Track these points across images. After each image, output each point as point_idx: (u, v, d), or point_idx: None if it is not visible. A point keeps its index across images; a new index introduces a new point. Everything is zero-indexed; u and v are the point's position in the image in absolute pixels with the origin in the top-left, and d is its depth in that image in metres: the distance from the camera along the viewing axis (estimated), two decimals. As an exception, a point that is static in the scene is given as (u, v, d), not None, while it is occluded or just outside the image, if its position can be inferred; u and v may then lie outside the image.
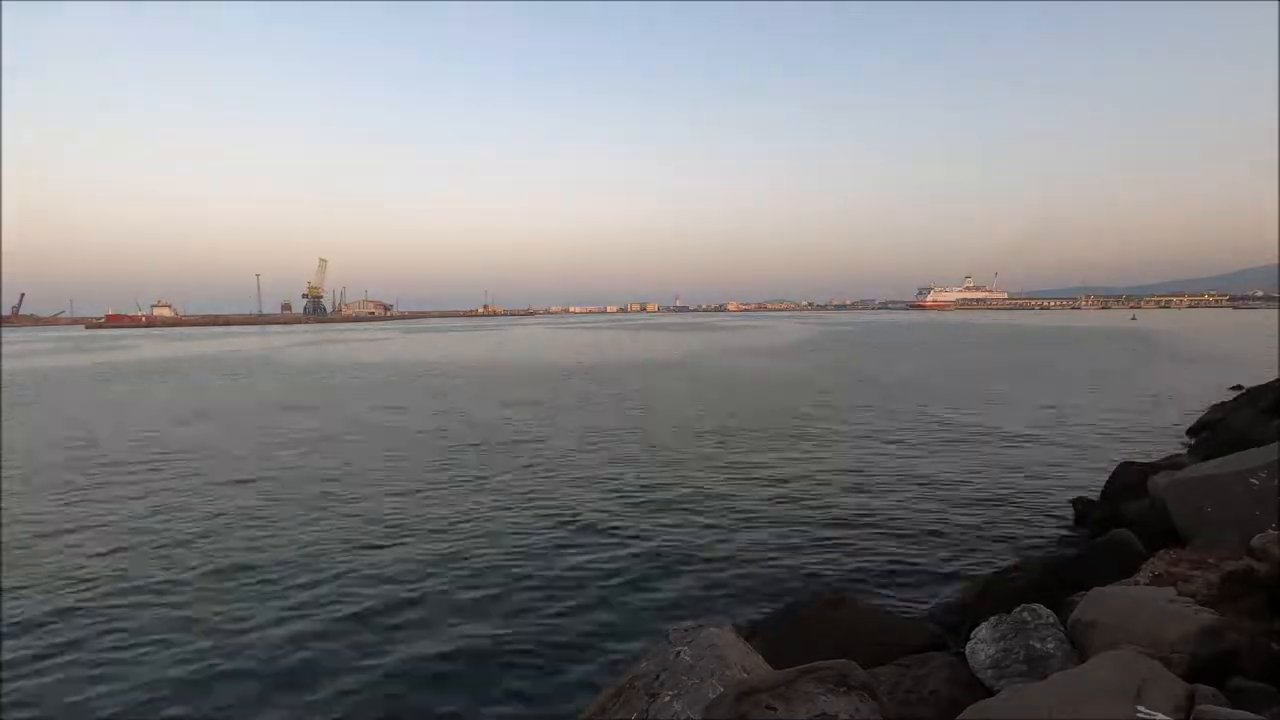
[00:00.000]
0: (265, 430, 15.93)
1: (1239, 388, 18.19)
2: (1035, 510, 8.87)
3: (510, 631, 5.81)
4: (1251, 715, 2.27)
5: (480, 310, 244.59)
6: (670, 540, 8.00)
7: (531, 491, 10.26)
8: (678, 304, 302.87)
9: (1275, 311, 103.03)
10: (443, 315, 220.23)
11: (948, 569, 6.97)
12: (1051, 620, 3.30)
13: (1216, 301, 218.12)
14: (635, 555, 7.55)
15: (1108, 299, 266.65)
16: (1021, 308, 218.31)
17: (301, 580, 6.96)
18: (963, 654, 3.49)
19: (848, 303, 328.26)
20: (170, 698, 4.92)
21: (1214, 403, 16.52)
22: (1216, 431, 12.40)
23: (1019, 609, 3.40)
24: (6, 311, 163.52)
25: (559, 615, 6.11)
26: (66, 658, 5.47)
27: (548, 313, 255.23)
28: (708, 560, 7.37)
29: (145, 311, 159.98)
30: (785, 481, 10.60)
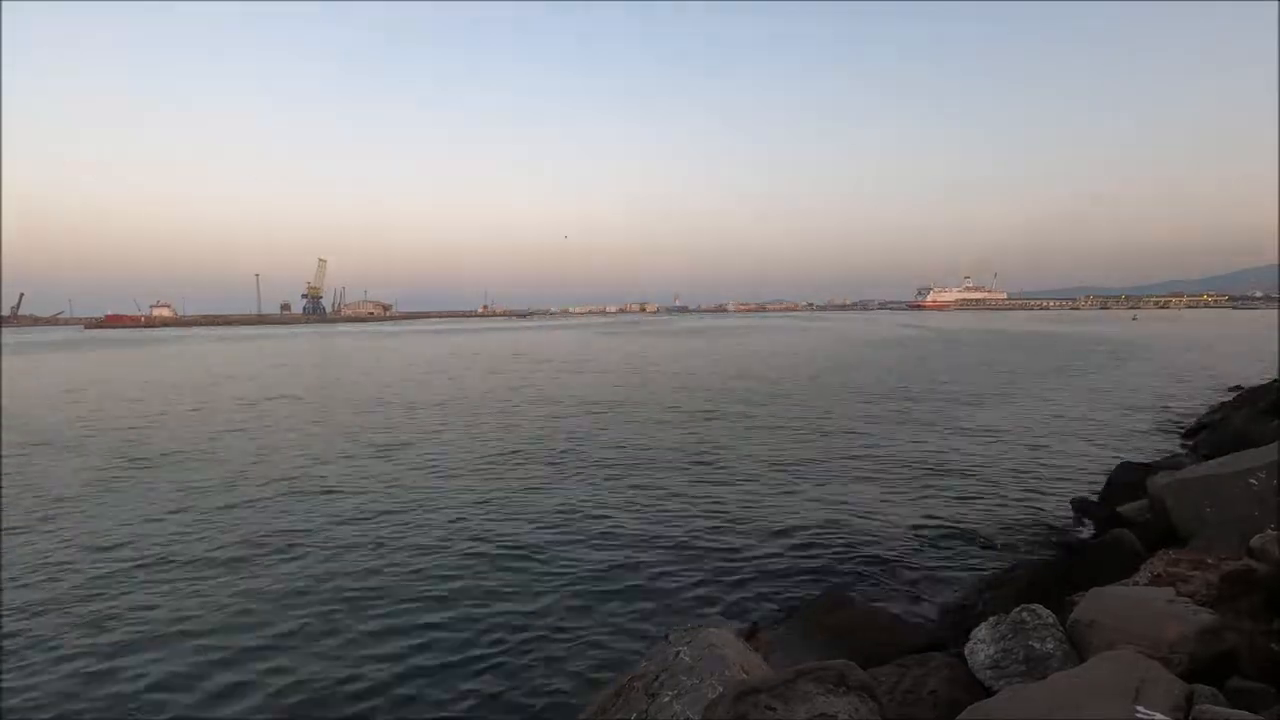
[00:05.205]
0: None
1: (1238, 388, 18.21)
2: (1035, 510, 8.87)
3: (509, 632, 5.81)
4: (1251, 715, 2.27)
5: (480, 311, 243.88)
6: (669, 541, 7.99)
7: (528, 492, 10.26)
8: (677, 304, 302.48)
9: (1275, 312, 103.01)
10: (442, 316, 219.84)
11: (947, 569, 6.98)
12: (1050, 620, 3.29)
13: (1216, 302, 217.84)
14: (634, 556, 7.55)
15: (1107, 299, 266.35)
16: (1021, 308, 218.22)
17: (292, 577, 6.96)
18: (962, 654, 3.49)
19: (847, 302, 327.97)
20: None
21: (1213, 403, 16.53)
22: (1216, 431, 12.41)
23: (1018, 609, 3.39)
24: (5, 312, 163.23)
25: (558, 616, 6.11)
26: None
27: (547, 313, 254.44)
28: (708, 560, 7.37)
29: (144, 312, 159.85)
30: (783, 481, 10.60)
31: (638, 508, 9.35)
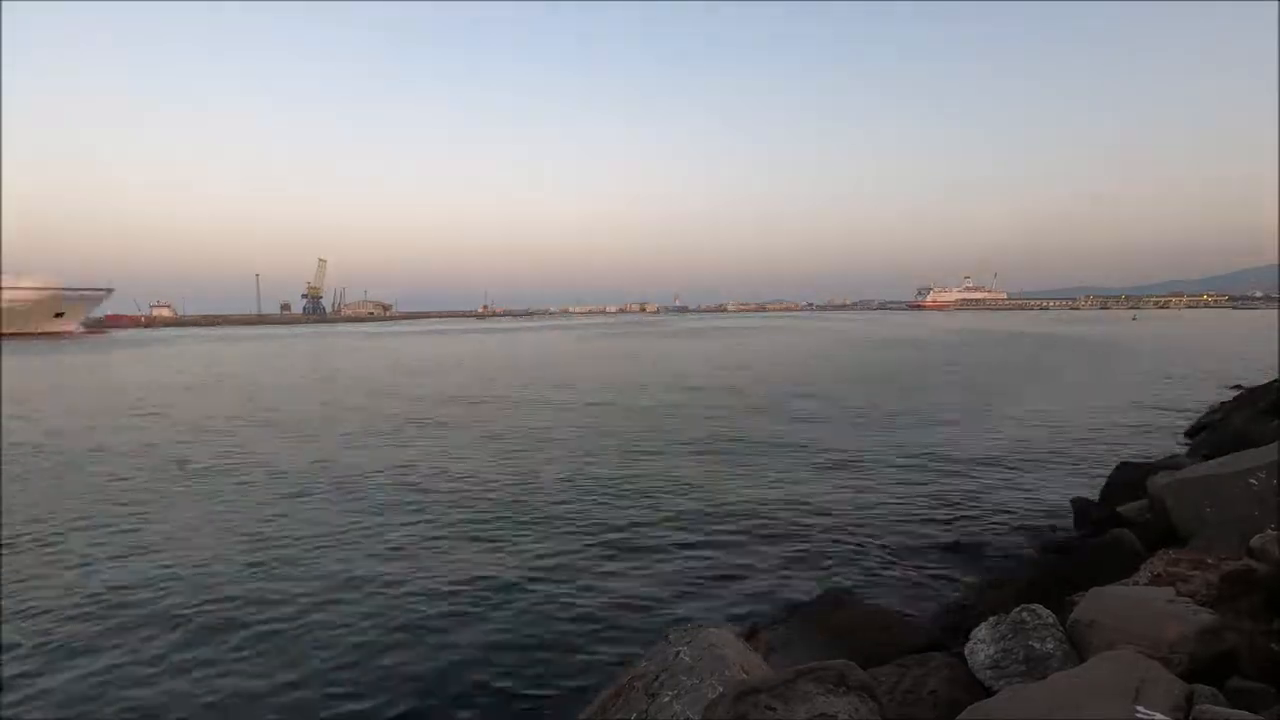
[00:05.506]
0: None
1: (1238, 388, 18.21)
2: (1034, 510, 8.87)
3: (508, 632, 5.81)
4: (1251, 715, 2.27)
5: (480, 310, 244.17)
6: (669, 540, 8.00)
7: (526, 492, 10.26)
8: (677, 304, 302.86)
9: (1275, 312, 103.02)
10: (442, 316, 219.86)
11: (947, 569, 6.98)
12: (1050, 620, 3.29)
13: (1216, 302, 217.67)
14: (633, 555, 7.55)
15: (1107, 299, 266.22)
16: (1021, 308, 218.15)
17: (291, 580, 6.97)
18: (962, 654, 3.49)
19: (847, 302, 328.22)
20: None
21: (1213, 403, 16.53)
22: (1216, 431, 12.40)
23: (1018, 609, 3.40)
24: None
25: (557, 615, 6.11)
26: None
27: (547, 313, 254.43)
28: (707, 560, 7.37)
29: (144, 312, 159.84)
30: (783, 480, 10.60)
31: (635, 508, 9.35)
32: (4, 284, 73.95)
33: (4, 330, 71.81)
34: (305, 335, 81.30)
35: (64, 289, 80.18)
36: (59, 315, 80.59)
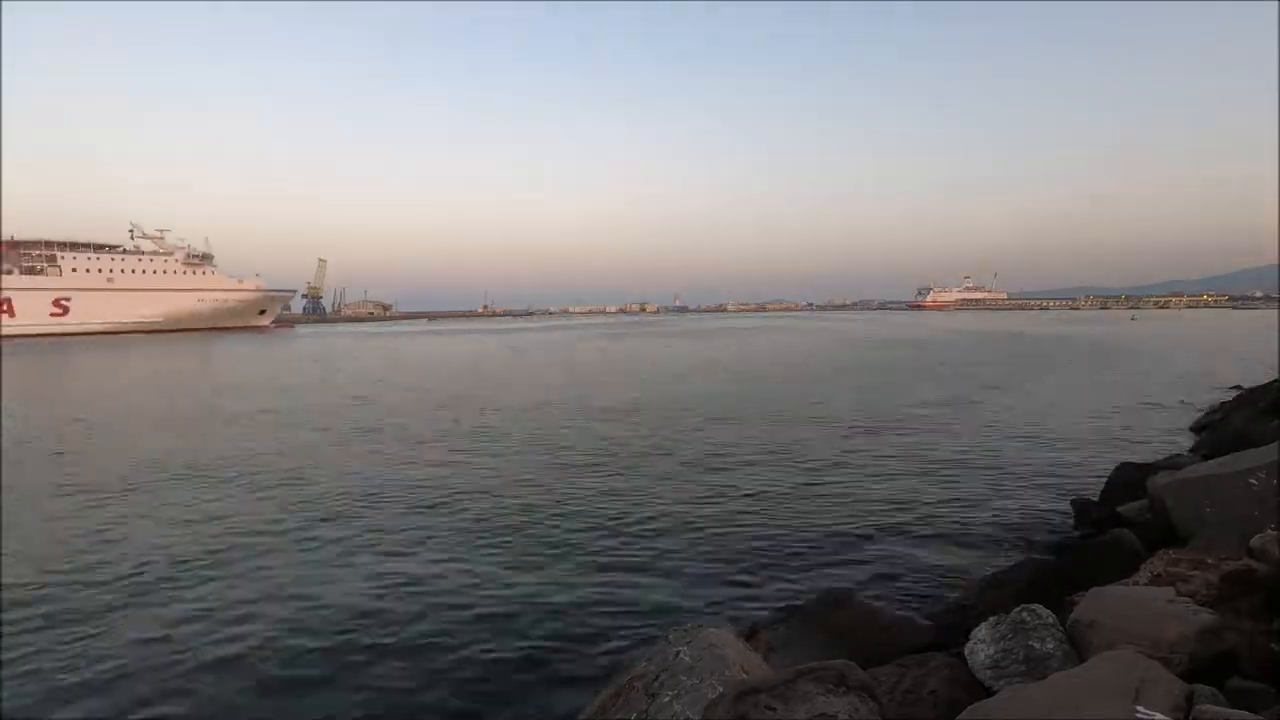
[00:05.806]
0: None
1: (1238, 388, 18.20)
2: (1034, 510, 8.87)
3: (507, 632, 5.81)
4: (1251, 715, 2.27)
5: (480, 310, 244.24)
6: (669, 540, 8.00)
7: (524, 493, 10.26)
8: (677, 304, 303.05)
9: (1275, 312, 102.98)
10: (442, 315, 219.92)
11: (948, 569, 6.97)
12: (1051, 620, 3.30)
13: (1216, 302, 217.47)
14: (633, 555, 7.55)
15: (1107, 299, 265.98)
16: (1021, 308, 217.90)
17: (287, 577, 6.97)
18: (962, 654, 3.49)
19: (847, 302, 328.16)
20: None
21: (1213, 403, 16.53)
22: (1216, 431, 12.41)
23: (1018, 609, 3.40)
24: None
25: (556, 615, 6.11)
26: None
27: (546, 313, 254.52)
28: (707, 560, 7.37)
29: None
30: (783, 481, 10.60)
31: (635, 508, 9.35)
32: (230, 286, 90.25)
33: (226, 324, 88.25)
34: (308, 335, 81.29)
35: (266, 291, 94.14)
36: (262, 313, 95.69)
